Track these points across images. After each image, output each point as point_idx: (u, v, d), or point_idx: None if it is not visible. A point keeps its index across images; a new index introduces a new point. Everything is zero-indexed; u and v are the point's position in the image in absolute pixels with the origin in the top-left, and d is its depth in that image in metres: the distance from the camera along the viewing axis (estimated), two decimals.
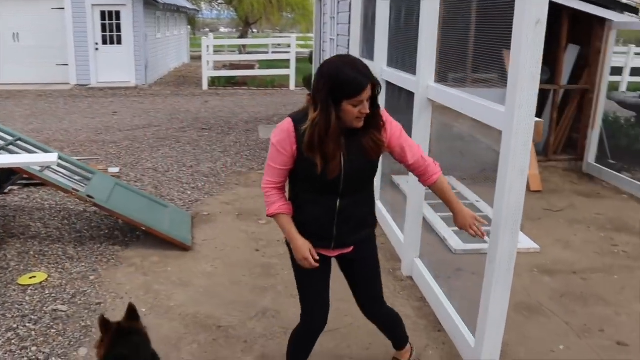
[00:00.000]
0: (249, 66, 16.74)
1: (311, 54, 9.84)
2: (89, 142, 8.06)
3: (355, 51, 6.00)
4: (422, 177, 2.42)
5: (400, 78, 4.42)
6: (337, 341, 3.18)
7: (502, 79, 7.13)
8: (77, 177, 4.56)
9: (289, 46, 18.30)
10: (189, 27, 22.43)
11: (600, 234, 4.92)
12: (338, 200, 2.29)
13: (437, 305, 3.47)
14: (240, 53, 20.27)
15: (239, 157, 7.34)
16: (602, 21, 6.56)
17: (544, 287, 3.91)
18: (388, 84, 4.80)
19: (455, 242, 4.48)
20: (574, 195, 5.98)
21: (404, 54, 6.14)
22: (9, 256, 4.20)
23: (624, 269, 4.24)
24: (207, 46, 14.16)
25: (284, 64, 15.54)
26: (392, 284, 3.92)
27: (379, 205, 4.97)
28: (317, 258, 2.34)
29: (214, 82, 14.43)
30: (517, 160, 2.39)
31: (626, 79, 12.70)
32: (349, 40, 6.10)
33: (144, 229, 4.31)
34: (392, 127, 2.31)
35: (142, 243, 4.48)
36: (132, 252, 4.34)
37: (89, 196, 4.20)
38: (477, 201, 5.29)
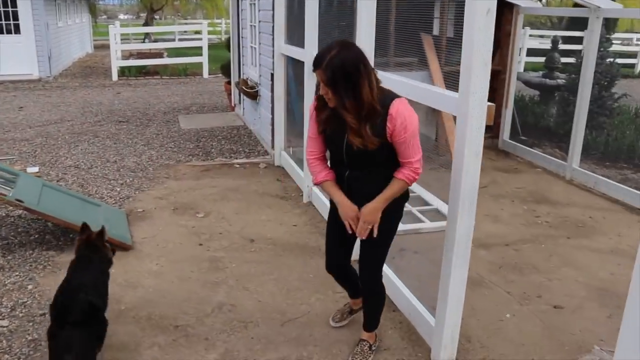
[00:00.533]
0: (158, 54, 16.19)
1: (228, 40, 9.64)
2: None
3: (280, 38, 5.98)
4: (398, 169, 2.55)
5: None
6: (298, 330, 3.21)
7: (422, 62, 7.39)
8: (1, 180, 4.24)
9: (195, 32, 17.92)
10: (90, 14, 21.17)
11: (524, 206, 5.28)
12: (347, 172, 2.61)
13: (389, 286, 3.57)
14: (150, 41, 19.47)
15: (164, 150, 7.11)
16: (510, 6, 6.96)
17: (482, 261, 4.15)
18: None
19: None
20: (495, 171, 6.35)
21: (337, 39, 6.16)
22: None
23: (549, 238, 4.60)
24: (115, 35, 13.46)
25: (194, 51, 15.14)
26: None
27: (318, 194, 5.03)
28: (366, 234, 2.63)
29: (124, 72, 13.79)
30: (473, 144, 2.52)
31: (523, 59, 13.62)
32: (273, 27, 6.05)
33: None
34: (398, 123, 2.39)
35: None
36: (69, 256, 3.99)
37: (18, 200, 3.92)
38: None
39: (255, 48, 7.25)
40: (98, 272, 2.94)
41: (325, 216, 4.83)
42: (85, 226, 3.06)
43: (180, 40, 21.12)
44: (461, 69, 2.49)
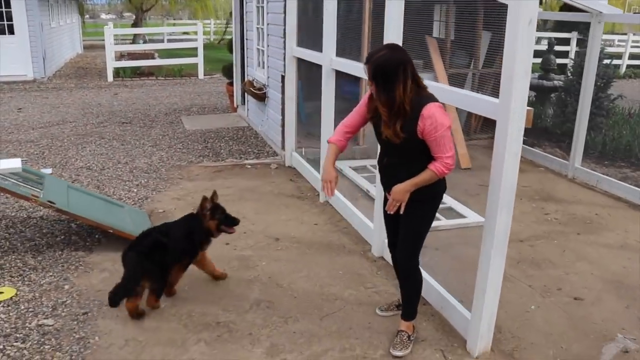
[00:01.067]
0: (149, 55, 16.22)
1: (230, 42, 9.73)
2: (1, 142, 7.48)
3: (292, 41, 6.11)
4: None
5: (358, 68, 4.60)
6: (338, 324, 3.35)
7: (427, 65, 7.56)
8: (29, 182, 4.30)
9: (183, 33, 18.06)
10: (79, 14, 21.04)
11: (532, 204, 5.48)
12: (385, 159, 2.98)
13: None
14: (145, 42, 19.43)
15: (173, 151, 7.19)
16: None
17: None
18: (340, 73, 4.99)
19: None
20: None
21: (352, 44, 6.34)
22: None
23: (560, 234, 4.79)
24: (110, 35, 13.42)
25: (184, 52, 15.17)
26: (368, 265, 4.15)
27: (336, 194, 5.17)
28: (334, 192, 3.04)
29: (119, 73, 13.77)
30: (513, 146, 2.68)
31: None
32: (284, 30, 6.17)
33: (111, 231, 4.17)
34: (428, 123, 2.67)
35: (105, 246, 4.34)
36: (99, 256, 4.19)
37: (50, 202, 4.00)
38: None
39: (262, 50, 7.36)
40: (185, 229, 3.56)
41: (344, 215, 5.00)
42: (204, 198, 3.60)
43: (168, 41, 21.13)
44: (502, 76, 2.65)
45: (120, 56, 15.86)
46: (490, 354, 3.09)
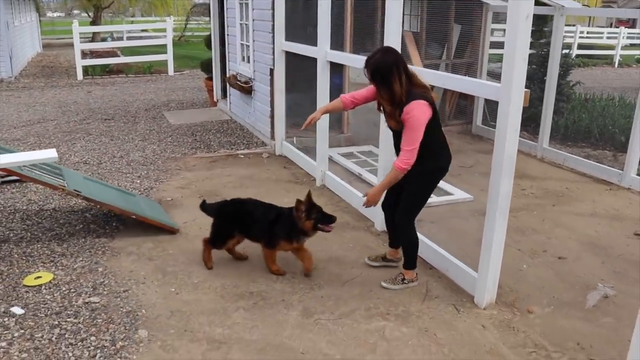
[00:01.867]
0: (112, 53, 16.17)
1: (208, 38, 9.94)
2: None
3: (280, 36, 6.45)
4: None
5: (349, 59, 5.00)
6: (359, 288, 3.75)
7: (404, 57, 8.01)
8: (49, 173, 4.51)
9: (142, 31, 18.10)
10: (37, 12, 20.61)
11: None
12: (396, 141, 3.50)
13: (424, 249, 4.16)
14: (113, 39, 19.26)
15: (165, 144, 7.42)
16: (479, 3, 7.69)
17: None
18: (336, 65, 5.38)
19: None
20: (476, 153, 7.08)
21: (336, 37, 6.69)
22: None
23: (537, 206, 5.34)
24: (77, 34, 13.34)
25: (147, 49, 15.22)
26: (373, 238, 4.57)
27: (333, 177, 5.57)
28: (306, 126, 3.82)
29: (87, 71, 13.72)
30: (513, 122, 3.14)
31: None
32: (273, 25, 6.49)
33: (134, 217, 4.44)
34: (406, 117, 3.21)
35: (125, 233, 4.59)
36: (122, 241, 4.45)
37: (76, 190, 4.24)
38: None
39: (247, 45, 7.65)
40: (271, 216, 3.88)
41: (342, 196, 5.41)
42: (298, 201, 3.73)
43: (127, 39, 20.96)
44: (503, 62, 3.10)
45: (84, 54, 15.75)
46: (495, 305, 3.56)
